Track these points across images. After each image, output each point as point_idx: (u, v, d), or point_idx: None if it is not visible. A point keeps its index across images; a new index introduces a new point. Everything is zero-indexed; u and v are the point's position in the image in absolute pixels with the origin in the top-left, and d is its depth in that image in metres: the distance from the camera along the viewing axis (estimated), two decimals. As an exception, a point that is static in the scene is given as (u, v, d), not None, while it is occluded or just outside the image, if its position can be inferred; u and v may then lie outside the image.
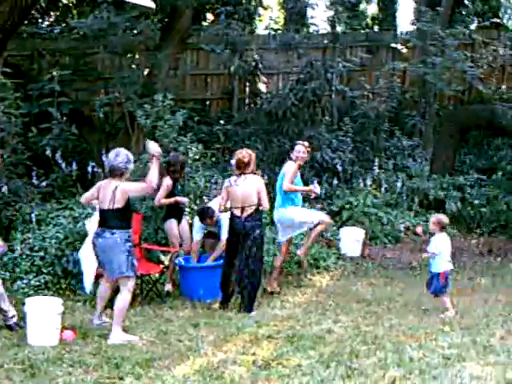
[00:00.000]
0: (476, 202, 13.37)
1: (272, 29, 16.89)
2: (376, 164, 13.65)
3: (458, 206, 13.23)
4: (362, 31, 18.35)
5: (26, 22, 15.32)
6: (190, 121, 13.50)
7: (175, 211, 9.56)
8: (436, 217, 9.01)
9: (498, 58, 16.10)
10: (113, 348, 7.01)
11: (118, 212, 7.37)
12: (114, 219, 7.38)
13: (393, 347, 7.09)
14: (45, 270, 9.11)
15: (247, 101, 15.88)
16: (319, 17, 17.64)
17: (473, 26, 18.81)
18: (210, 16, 18.12)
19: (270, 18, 18.10)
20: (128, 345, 7.11)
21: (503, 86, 16.76)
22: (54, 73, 12.47)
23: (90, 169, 11.84)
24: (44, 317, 7.19)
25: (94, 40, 13.27)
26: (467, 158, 15.29)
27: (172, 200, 9.48)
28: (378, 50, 17.12)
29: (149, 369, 6.47)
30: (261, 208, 8.63)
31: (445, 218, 8.96)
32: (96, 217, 7.93)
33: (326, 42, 16.36)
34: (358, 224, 12.11)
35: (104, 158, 11.71)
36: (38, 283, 8.91)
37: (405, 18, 20.23)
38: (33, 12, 15.54)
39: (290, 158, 9.57)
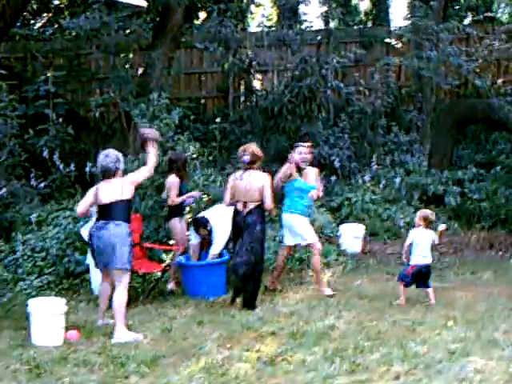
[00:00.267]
0: (475, 196, 13.37)
1: (265, 26, 16.89)
2: (374, 160, 13.65)
3: (458, 201, 13.24)
4: (356, 27, 18.34)
5: (18, 24, 15.35)
6: (185, 120, 13.50)
7: (179, 210, 9.56)
8: (423, 212, 9.04)
9: (493, 51, 16.11)
10: (117, 347, 7.01)
11: (126, 204, 7.54)
12: (120, 211, 7.48)
13: (397, 342, 7.09)
14: (47, 271, 9.14)
15: (242, 99, 15.86)
16: (312, 13, 17.71)
17: (467, 21, 18.83)
18: (202, 14, 18.10)
19: (262, 15, 18.07)
20: (132, 343, 7.11)
21: (499, 80, 16.77)
22: (49, 74, 12.43)
23: (87, 169, 11.81)
24: (48, 317, 7.19)
25: (87, 40, 13.23)
26: (465, 153, 15.30)
27: (185, 197, 9.48)
28: (372, 46, 17.11)
29: (154, 367, 6.48)
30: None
31: (431, 215, 8.97)
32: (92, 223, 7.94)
33: (319, 38, 16.37)
34: (357, 220, 12.12)
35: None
36: (40, 284, 8.93)
37: (398, 13, 20.26)
38: (25, 14, 15.54)
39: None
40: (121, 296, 7.43)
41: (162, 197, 9.77)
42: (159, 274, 9.27)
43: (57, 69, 13.26)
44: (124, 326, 7.38)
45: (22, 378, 6.24)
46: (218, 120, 14.19)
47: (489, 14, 18.54)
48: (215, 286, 9.01)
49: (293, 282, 9.79)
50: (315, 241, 9.16)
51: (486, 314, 8.19)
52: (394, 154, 14.45)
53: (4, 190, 10.22)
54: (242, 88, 15.76)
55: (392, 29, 17.76)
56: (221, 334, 7.42)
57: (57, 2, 16.88)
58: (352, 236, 11.58)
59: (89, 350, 6.96)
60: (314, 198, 9.38)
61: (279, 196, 9.40)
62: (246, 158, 8.68)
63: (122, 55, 14.22)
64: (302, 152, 9.23)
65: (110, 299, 7.69)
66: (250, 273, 8.50)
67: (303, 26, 16.81)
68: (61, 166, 11.80)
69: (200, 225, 9.39)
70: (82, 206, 7.74)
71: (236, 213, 8.67)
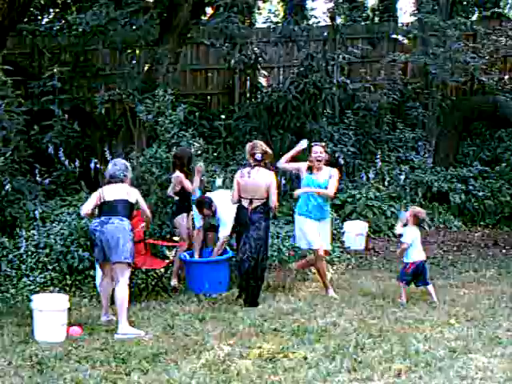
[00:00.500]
0: (480, 193, 13.37)
1: (271, 22, 16.87)
2: (378, 157, 13.63)
3: (462, 198, 13.23)
4: (363, 23, 18.29)
5: (25, 19, 15.37)
6: (191, 116, 13.52)
7: (186, 206, 9.59)
8: (414, 209, 9.05)
9: (500, 48, 16.07)
10: (120, 343, 7.04)
11: (130, 205, 7.73)
12: (123, 209, 7.64)
13: (398, 340, 7.12)
14: (50, 267, 9.13)
15: (248, 95, 15.85)
16: (319, 9, 17.69)
17: (474, 17, 18.77)
18: (209, 10, 18.08)
19: (269, 10, 18.04)
20: (135, 340, 7.13)
21: (506, 77, 16.72)
22: (55, 70, 12.44)
23: (92, 165, 11.85)
24: (51, 313, 7.22)
25: (94, 36, 13.23)
26: (470, 150, 15.28)
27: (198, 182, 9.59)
28: (378, 42, 17.07)
29: (156, 363, 6.51)
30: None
31: (422, 213, 8.99)
32: None
33: (326, 34, 16.34)
34: (361, 217, 12.12)
35: (107, 155, 11.79)
36: (43, 280, 8.93)
37: (406, 9, 20.19)
38: (32, 9, 15.54)
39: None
40: (123, 292, 7.46)
41: (168, 193, 9.78)
42: (162, 270, 9.28)
43: (63, 65, 13.25)
44: (127, 322, 7.40)
45: (24, 373, 6.27)
46: (223, 116, 14.19)
47: (496, 10, 18.50)
48: (218, 282, 9.03)
49: (296, 279, 9.80)
50: (318, 247, 9.01)
51: (488, 311, 8.21)
52: (399, 151, 14.44)
53: (9, 185, 10.23)
54: (248, 84, 15.76)
55: (399, 25, 17.72)
56: (223, 331, 7.45)
57: (64, -3, 16.89)
58: (355, 233, 11.57)
59: (91, 346, 7.00)
60: (317, 192, 9.08)
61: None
62: (259, 155, 8.70)
63: (128, 51, 14.23)
64: (316, 151, 9.04)
65: (112, 295, 7.72)
66: (253, 269, 8.54)
67: (310, 22, 16.80)
68: (66, 162, 11.84)
69: (204, 204, 9.37)
70: (86, 207, 7.81)
71: (240, 209, 8.68)
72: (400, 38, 17.14)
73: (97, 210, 7.75)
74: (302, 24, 15.89)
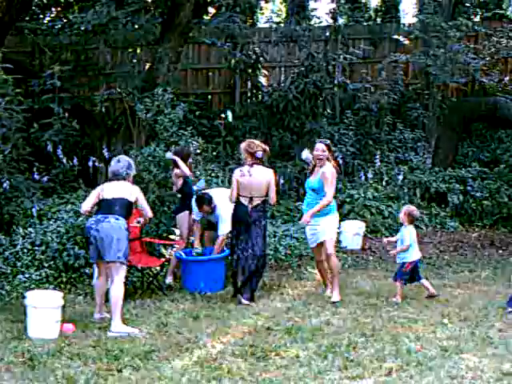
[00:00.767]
0: (478, 194, 13.37)
1: (273, 22, 16.89)
2: (377, 157, 13.65)
3: (460, 199, 13.23)
4: (365, 23, 18.30)
5: (26, 18, 15.42)
6: (191, 115, 13.54)
7: (188, 204, 9.63)
8: (408, 208, 9.08)
9: (501, 49, 16.06)
10: (112, 340, 7.08)
11: (129, 204, 7.71)
12: (121, 207, 7.62)
13: (391, 339, 7.15)
14: (46, 264, 9.15)
15: (249, 94, 15.87)
16: (321, 9, 17.71)
17: (476, 18, 18.76)
18: (211, 9, 18.11)
19: (271, 10, 18.07)
20: (127, 337, 7.17)
21: (506, 78, 16.71)
22: (56, 68, 12.48)
23: (90, 164, 11.89)
24: (44, 310, 7.25)
25: (95, 35, 13.26)
26: (470, 151, 15.28)
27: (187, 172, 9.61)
28: (380, 43, 17.08)
29: (148, 361, 6.55)
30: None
31: (416, 211, 9.03)
32: None
33: (327, 34, 16.36)
34: (359, 217, 12.13)
35: (106, 153, 11.83)
36: (39, 277, 8.95)
37: (408, 10, 20.21)
38: (34, 8, 15.59)
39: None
40: (118, 290, 7.49)
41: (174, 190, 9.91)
42: (158, 268, 9.31)
43: (64, 63, 13.28)
44: (120, 319, 7.43)
45: (17, 370, 6.31)
46: (223, 115, 14.21)
47: (498, 12, 18.50)
48: (213, 281, 9.06)
49: (291, 277, 9.83)
50: (311, 247, 9.11)
51: (481, 311, 8.23)
52: (398, 152, 14.45)
53: (7, 183, 10.27)
54: (249, 84, 15.78)
55: (401, 26, 17.72)
56: (216, 329, 7.49)
57: (66, -4, 16.93)
58: (353, 233, 11.58)
59: (84, 343, 7.03)
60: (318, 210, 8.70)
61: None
62: (260, 153, 8.76)
63: (129, 50, 14.26)
64: (318, 149, 8.78)
65: (106, 293, 7.75)
66: (256, 267, 8.65)
67: (311, 22, 16.82)
68: (64, 160, 11.88)
69: (204, 201, 9.40)
70: (86, 204, 7.84)
71: (239, 208, 8.69)
72: (401, 38, 17.13)
73: (96, 207, 7.78)
74: (304, 24, 15.91)
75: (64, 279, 9.08)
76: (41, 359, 6.52)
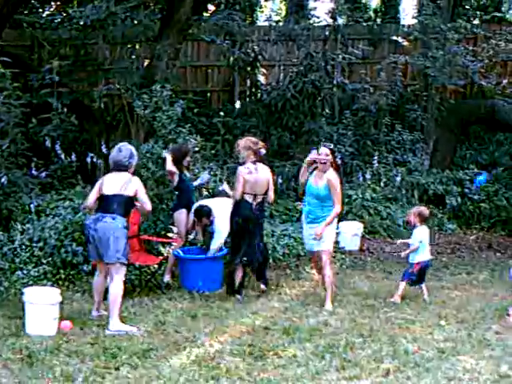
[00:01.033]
0: (476, 197, 13.39)
1: (273, 20, 16.89)
2: (376, 158, 13.66)
3: (458, 201, 13.25)
4: (364, 24, 18.31)
5: (26, 11, 15.40)
6: (189, 112, 13.53)
7: (185, 201, 9.62)
8: (417, 209, 9.09)
9: (500, 52, 16.09)
10: (110, 338, 7.07)
11: (126, 200, 7.55)
12: (118, 205, 7.51)
13: (388, 340, 7.17)
14: (44, 261, 9.13)
15: (248, 93, 15.87)
16: (320, 8, 17.70)
17: (476, 21, 18.78)
18: (211, 7, 18.10)
19: (271, 9, 18.06)
20: (125, 335, 7.16)
21: (504, 81, 16.74)
22: (55, 63, 12.46)
23: (89, 159, 11.87)
24: (42, 307, 7.24)
25: (94, 30, 13.24)
26: (468, 153, 15.30)
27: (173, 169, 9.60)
28: (380, 43, 17.09)
29: (145, 359, 6.55)
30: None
31: (426, 211, 9.07)
32: None
33: (326, 33, 16.36)
34: (357, 218, 12.14)
35: (104, 149, 11.82)
36: (37, 274, 8.94)
37: (408, 11, 20.22)
38: (33, 1, 15.57)
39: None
40: (117, 288, 7.47)
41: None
42: (156, 266, 9.30)
43: (63, 58, 13.25)
44: (118, 318, 7.42)
45: (14, 366, 6.31)
46: (222, 113, 14.20)
47: (497, 14, 18.52)
48: (211, 280, 9.05)
49: (289, 277, 9.83)
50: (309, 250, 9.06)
51: (478, 314, 8.25)
52: (396, 153, 14.46)
53: (5, 178, 10.25)
54: (248, 82, 15.78)
55: (400, 27, 17.73)
56: (214, 328, 7.49)
57: (66, -10, 16.90)
58: (350, 234, 11.58)
59: (82, 340, 7.03)
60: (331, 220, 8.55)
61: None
62: (263, 150, 8.81)
63: (128, 46, 14.23)
64: (322, 153, 8.54)
65: (105, 291, 7.74)
66: (264, 258, 8.92)
67: (311, 21, 16.81)
68: (62, 156, 11.86)
69: (203, 214, 9.39)
70: (90, 199, 7.76)
71: (243, 205, 8.69)
72: (400, 40, 17.15)
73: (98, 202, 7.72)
74: (303, 23, 15.90)
75: (62, 276, 9.07)
76: (39, 356, 6.51)
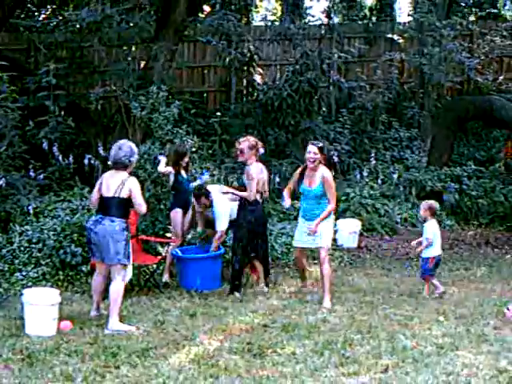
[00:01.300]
0: (474, 193, 13.41)
1: (268, 20, 16.92)
2: (373, 155, 13.68)
3: (456, 198, 13.27)
4: (360, 22, 18.36)
5: (22, 15, 15.44)
6: (186, 113, 13.55)
7: (182, 201, 9.63)
8: (427, 203, 9.15)
9: (496, 48, 16.13)
10: (109, 338, 7.08)
11: (123, 201, 7.49)
12: (115, 208, 7.48)
13: (387, 336, 7.17)
14: (43, 262, 9.16)
15: (244, 92, 15.90)
16: (316, 7, 17.76)
17: (471, 17, 18.82)
18: (206, 8, 18.13)
19: (266, 9, 18.10)
20: (125, 334, 7.17)
21: (501, 77, 16.78)
22: (51, 66, 12.49)
23: (86, 161, 11.90)
24: (41, 307, 7.25)
25: (90, 33, 13.27)
26: (465, 150, 15.33)
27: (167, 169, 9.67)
28: (375, 41, 17.12)
29: (145, 358, 6.55)
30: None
31: (435, 204, 9.13)
32: None
33: (322, 32, 16.41)
34: (355, 215, 12.17)
35: (101, 151, 11.85)
36: (36, 275, 8.97)
37: (403, 9, 20.29)
38: (29, 5, 15.60)
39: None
40: (118, 288, 7.47)
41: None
42: (154, 266, 9.32)
43: (59, 61, 13.29)
44: (118, 318, 7.43)
45: (15, 366, 6.31)
46: (218, 114, 14.23)
47: (493, 11, 18.57)
48: (210, 279, 9.07)
49: (288, 275, 9.85)
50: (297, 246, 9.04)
51: (476, 309, 8.25)
52: (394, 150, 14.49)
53: (3, 180, 10.28)
54: (245, 82, 15.81)
55: (396, 24, 17.77)
56: (213, 326, 7.49)
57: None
58: (348, 231, 11.61)
59: (81, 340, 7.03)
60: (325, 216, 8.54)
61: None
62: (262, 149, 8.90)
63: (124, 48, 14.26)
64: (310, 151, 8.52)
65: (103, 291, 7.76)
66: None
67: (306, 21, 16.86)
68: (60, 158, 11.88)
69: (202, 194, 9.39)
70: (92, 198, 7.76)
71: (257, 207, 8.80)
72: (396, 37, 17.19)
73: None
74: (299, 22, 15.94)
75: (61, 277, 9.09)
76: (39, 356, 6.52)
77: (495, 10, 19.05)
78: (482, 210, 13.21)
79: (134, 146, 7.69)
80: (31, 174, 11.33)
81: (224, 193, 9.14)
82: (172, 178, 9.70)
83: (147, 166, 10.33)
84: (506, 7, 20.65)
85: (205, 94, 16.52)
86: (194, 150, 11.18)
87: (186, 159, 9.87)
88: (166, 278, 9.40)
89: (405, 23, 17.47)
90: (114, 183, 7.53)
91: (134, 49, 14.47)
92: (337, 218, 11.98)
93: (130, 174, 7.70)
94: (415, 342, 6.99)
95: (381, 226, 12.28)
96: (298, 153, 12.56)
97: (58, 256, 9.20)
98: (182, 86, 15.77)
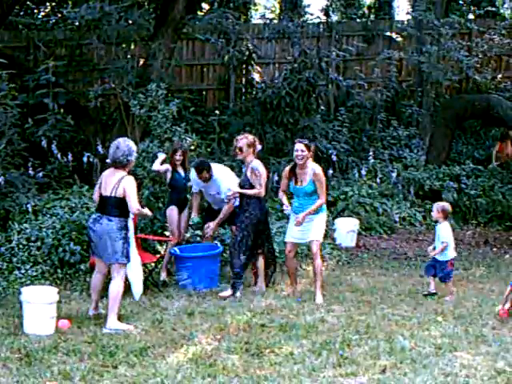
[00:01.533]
0: (472, 192, 13.39)
1: (267, 18, 16.91)
2: (371, 154, 13.69)
3: (454, 197, 13.26)
4: (358, 20, 18.36)
5: (21, 13, 15.43)
6: (185, 111, 13.55)
7: (177, 199, 9.62)
8: (440, 205, 9.21)
9: (494, 47, 16.14)
10: (108, 337, 7.08)
11: (119, 201, 7.46)
12: (113, 207, 7.47)
13: (385, 336, 7.18)
14: (41, 260, 9.15)
15: (243, 90, 15.90)
16: (314, 5, 17.75)
17: (470, 16, 18.83)
18: (205, 5, 18.13)
19: (264, 7, 18.09)
20: (123, 333, 7.18)
21: (499, 76, 16.79)
22: (50, 63, 12.48)
23: (85, 159, 11.89)
24: (40, 306, 7.25)
25: (88, 30, 13.26)
26: (464, 148, 15.33)
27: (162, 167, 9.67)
28: (374, 40, 17.12)
29: (143, 357, 6.57)
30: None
31: (448, 206, 9.23)
32: None
33: (320, 30, 16.41)
34: (353, 214, 12.16)
35: (100, 149, 11.85)
36: (34, 273, 8.96)
37: (402, 7, 20.31)
38: (28, 3, 15.59)
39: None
40: (117, 287, 7.47)
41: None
42: (153, 264, 9.32)
43: (58, 58, 13.29)
44: (116, 317, 7.43)
45: (13, 365, 6.32)
46: (217, 112, 14.23)
47: (491, 9, 18.56)
48: (208, 277, 9.07)
49: (286, 275, 9.83)
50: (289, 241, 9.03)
51: (475, 309, 8.26)
52: (392, 149, 14.49)
53: (2, 178, 10.27)
54: (244, 80, 15.81)
55: (394, 23, 17.77)
56: (211, 326, 7.50)
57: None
58: (347, 230, 11.61)
59: (79, 339, 7.04)
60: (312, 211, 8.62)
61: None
62: (259, 147, 8.92)
63: (123, 46, 14.25)
64: (297, 149, 8.56)
65: (102, 290, 7.76)
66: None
67: (304, 19, 16.84)
68: (59, 156, 11.88)
69: (204, 167, 9.36)
70: (94, 196, 7.79)
71: (262, 204, 8.86)
72: (394, 35, 17.19)
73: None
74: (297, 20, 15.93)
75: (60, 275, 9.08)
76: (37, 355, 6.53)
77: (494, 9, 19.04)
78: (481, 208, 13.19)
79: (132, 144, 7.64)
80: (30, 171, 11.32)
81: (231, 196, 9.06)
82: (169, 175, 9.68)
83: (146, 163, 10.34)
84: (505, 5, 20.66)
85: (203, 92, 16.53)
86: (192, 148, 11.19)
87: (178, 155, 9.74)
88: (163, 276, 9.40)
89: (403, 21, 17.48)
90: (112, 182, 7.52)
91: (132, 46, 14.46)
92: (335, 217, 12.04)
93: (129, 172, 7.69)
94: (413, 342, 7.00)
95: (379, 225, 12.27)
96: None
97: (57, 254, 9.19)
98: (180, 83, 15.77)
